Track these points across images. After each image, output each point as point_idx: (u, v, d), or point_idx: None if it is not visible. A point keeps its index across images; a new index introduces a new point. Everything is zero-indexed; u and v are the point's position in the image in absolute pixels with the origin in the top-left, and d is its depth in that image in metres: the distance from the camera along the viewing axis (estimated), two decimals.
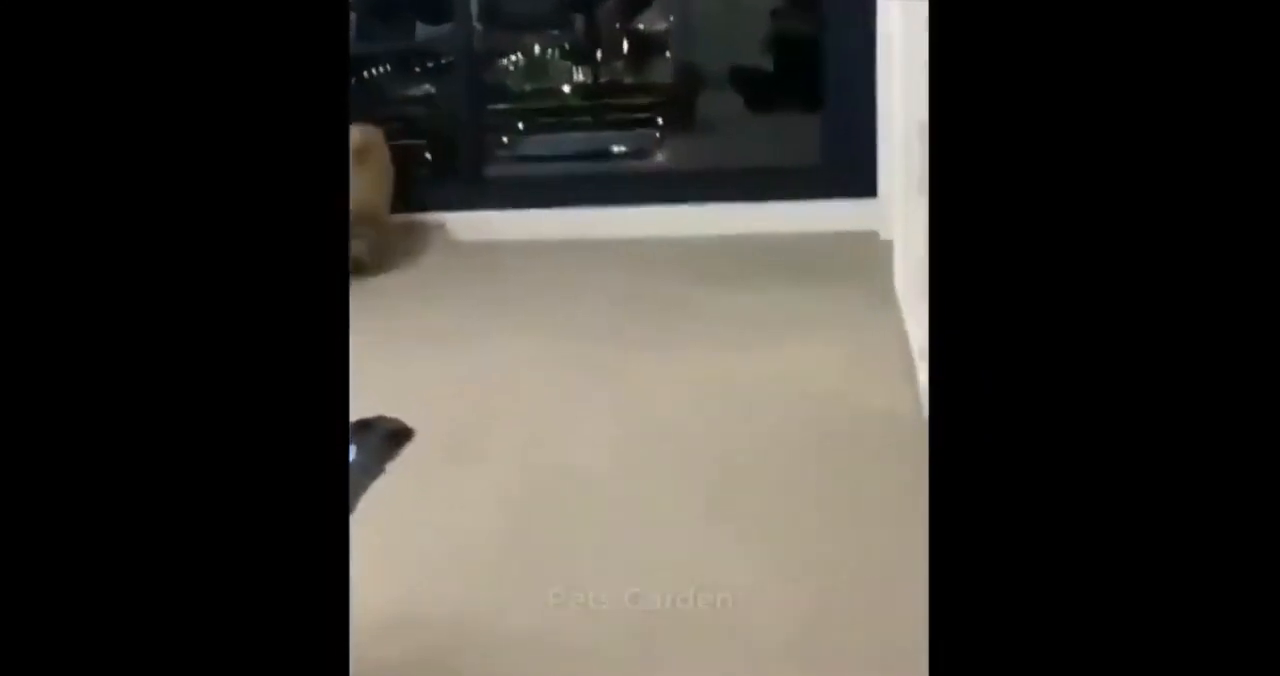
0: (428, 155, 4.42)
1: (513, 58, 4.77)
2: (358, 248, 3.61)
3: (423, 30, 4.52)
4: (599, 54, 4.71)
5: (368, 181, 3.77)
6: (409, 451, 1.53)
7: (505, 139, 4.57)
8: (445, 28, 4.27)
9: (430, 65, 4.60)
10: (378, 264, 3.71)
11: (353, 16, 4.23)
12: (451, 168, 4.28)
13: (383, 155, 3.93)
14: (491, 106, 4.49)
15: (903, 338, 2.80)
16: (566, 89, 4.75)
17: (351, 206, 3.59)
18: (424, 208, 4.11)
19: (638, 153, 4.57)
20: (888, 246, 3.38)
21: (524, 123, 4.65)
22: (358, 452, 1.63)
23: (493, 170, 4.33)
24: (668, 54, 4.70)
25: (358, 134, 3.81)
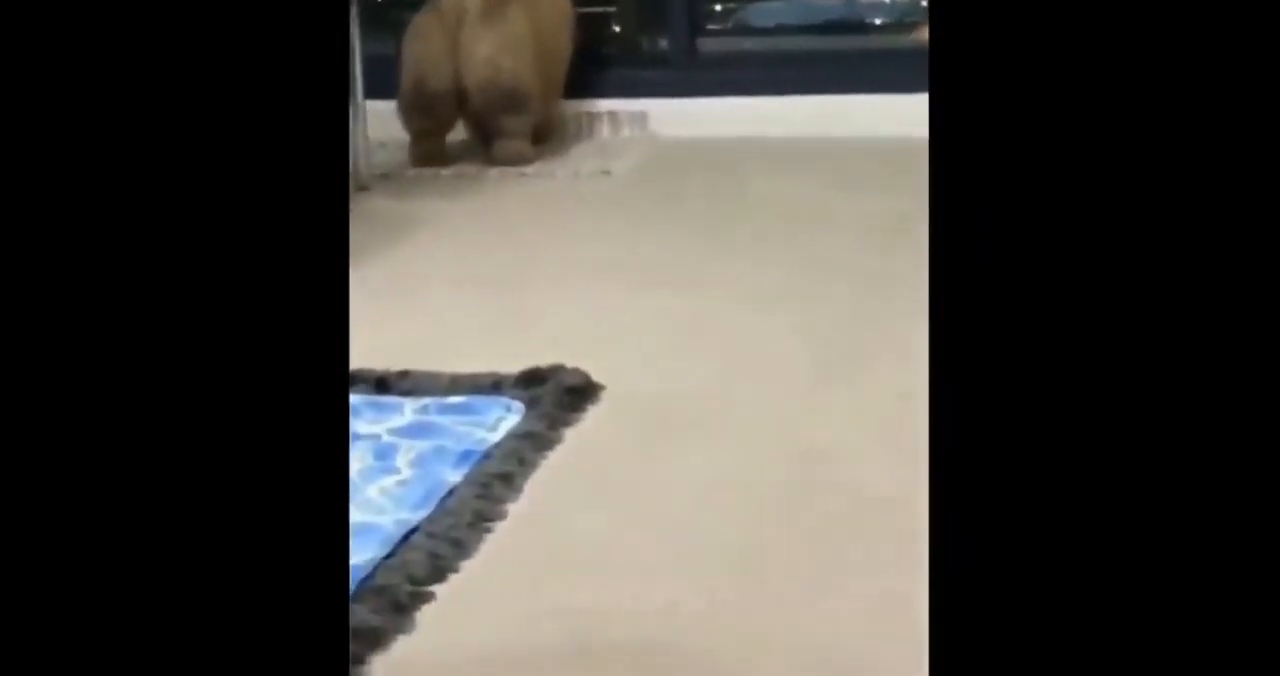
0: (616, 28, 3.93)
1: None
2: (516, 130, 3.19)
3: None
4: None
5: (525, 32, 3.21)
6: (597, 417, 1.51)
7: (718, 6, 4.01)
8: None
9: None
10: (534, 156, 3.25)
11: None
12: (650, 42, 3.78)
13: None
14: None
15: None
16: None
17: (502, 72, 3.18)
18: (610, 93, 3.55)
19: (901, 25, 3.86)
20: None
21: None
22: (526, 414, 1.59)
23: (705, 46, 3.74)
24: None
25: None
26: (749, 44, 3.91)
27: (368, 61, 2.96)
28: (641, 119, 3.49)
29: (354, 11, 2.87)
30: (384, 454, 1.48)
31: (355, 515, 1.34)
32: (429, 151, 3.18)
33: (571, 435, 1.55)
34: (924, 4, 3.84)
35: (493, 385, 1.68)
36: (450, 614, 1.19)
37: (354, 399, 1.64)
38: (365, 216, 2.73)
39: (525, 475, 1.45)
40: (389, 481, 1.42)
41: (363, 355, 1.76)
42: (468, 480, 1.42)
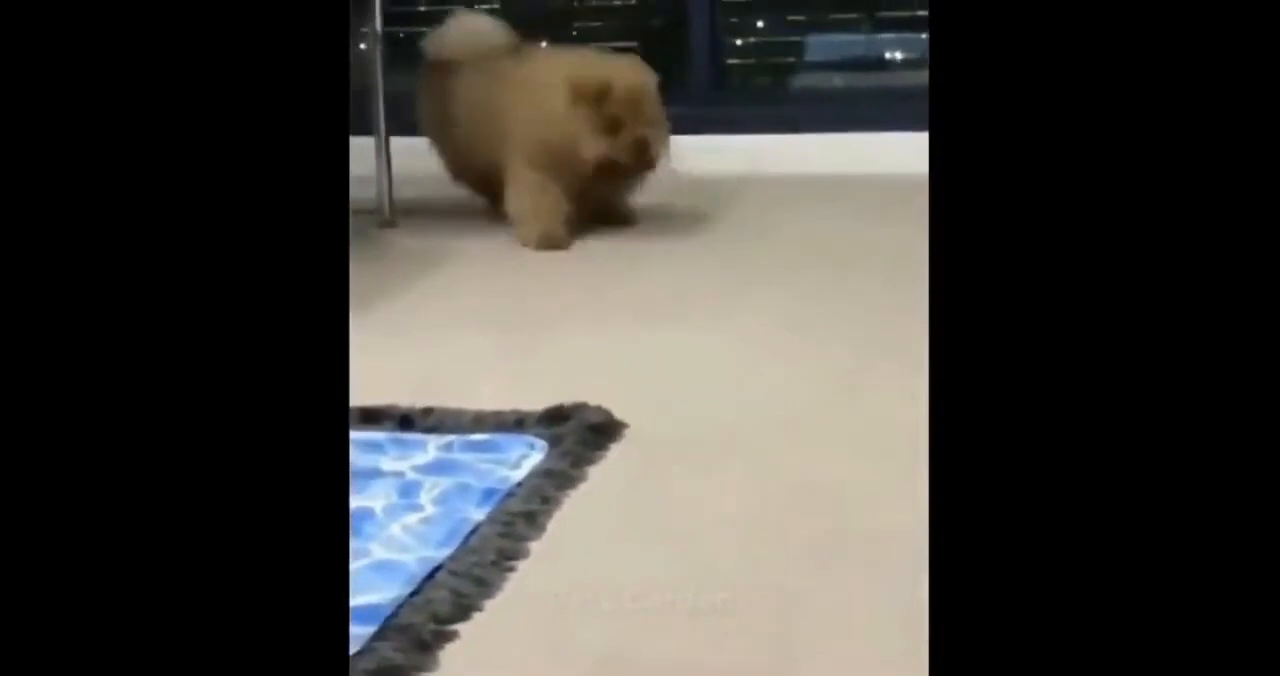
0: None
1: None
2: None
3: None
4: None
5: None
6: (620, 455, 1.50)
7: (739, 41, 3.99)
8: None
9: None
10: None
11: None
12: (675, 79, 3.66)
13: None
14: None
15: None
16: None
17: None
18: None
19: (924, 62, 3.77)
20: None
21: (763, 20, 4.05)
22: (549, 452, 1.59)
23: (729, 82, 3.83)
24: None
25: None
26: (768, 82, 3.90)
27: (394, 98, 2.96)
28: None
29: (378, 47, 2.88)
30: (408, 491, 1.48)
31: (380, 553, 1.33)
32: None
33: (595, 473, 1.54)
34: None
35: (516, 423, 1.68)
36: (473, 652, 1.19)
37: (378, 436, 1.64)
38: (391, 252, 2.73)
39: (548, 513, 1.44)
40: (412, 519, 1.41)
41: (387, 390, 1.76)
42: (491, 518, 1.42)
